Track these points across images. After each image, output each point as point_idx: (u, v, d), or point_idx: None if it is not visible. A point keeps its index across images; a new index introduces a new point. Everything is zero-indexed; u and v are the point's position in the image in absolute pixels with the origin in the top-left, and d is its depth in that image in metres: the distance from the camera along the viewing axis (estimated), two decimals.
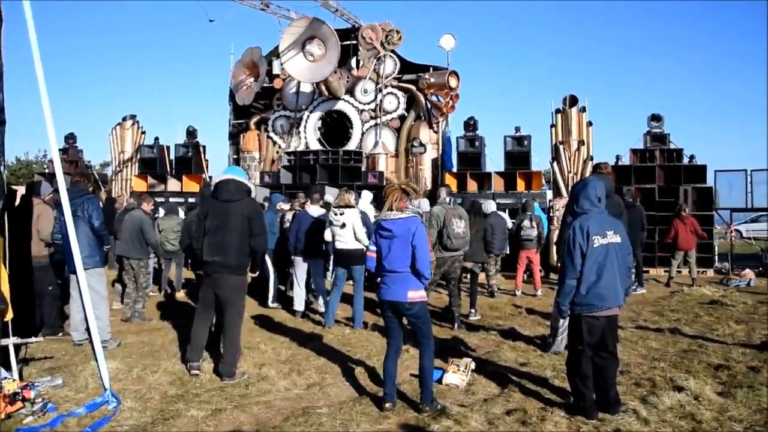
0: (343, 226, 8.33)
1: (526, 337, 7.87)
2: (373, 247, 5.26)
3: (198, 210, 7.16)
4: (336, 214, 8.40)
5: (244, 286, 6.36)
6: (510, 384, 5.79)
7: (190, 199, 16.81)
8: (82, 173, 9.88)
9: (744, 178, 15.18)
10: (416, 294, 5.09)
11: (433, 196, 10.38)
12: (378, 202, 11.63)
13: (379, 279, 5.30)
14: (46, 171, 21.20)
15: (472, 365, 6.20)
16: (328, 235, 8.55)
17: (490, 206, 11.90)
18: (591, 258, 4.87)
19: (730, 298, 10.77)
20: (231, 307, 6.15)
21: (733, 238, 16.21)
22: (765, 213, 15.71)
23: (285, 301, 10.23)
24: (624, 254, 5.04)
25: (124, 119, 20.10)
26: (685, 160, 15.69)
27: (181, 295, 11.07)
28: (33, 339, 7.25)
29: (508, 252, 12.26)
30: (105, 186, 19.24)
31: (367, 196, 11.31)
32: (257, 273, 6.67)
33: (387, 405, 5.15)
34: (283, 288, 10.84)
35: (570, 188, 8.75)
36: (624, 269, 5.02)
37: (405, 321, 5.35)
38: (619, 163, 16.36)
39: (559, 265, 7.42)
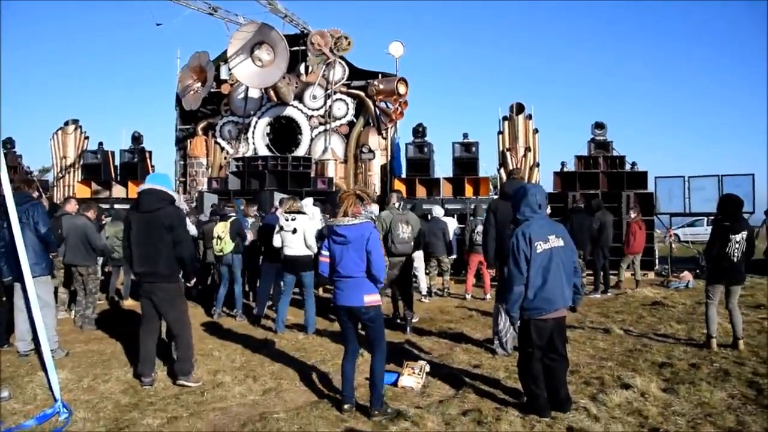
0: (294, 231, 8.32)
1: (477, 339, 8.01)
2: (325, 252, 5.25)
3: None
4: (287, 220, 8.38)
5: (180, 291, 6.27)
6: (464, 385, 5.89)
7: None
8: (23, 180, 9.65)
9: (682, 184, 15.79)
10: (372, 298, 5.14)
11: (383, 202, 10.45)
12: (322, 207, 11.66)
13: (331, 284, 5.33)
14: None
15: (427, 368, 6.28)
16: (277, 241, 8.50)
17: (435, 211, 12.17)
18: (535, 263, 5.00)
19: (671, 299, 11.20)
20: (171, 310, 6.08)
21: (672, 242, 16.80)
22: (702, 218, 16.32)
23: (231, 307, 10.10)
24: (568, 256, 5.18)
25: (66, 123, 19.62)
26: (627, 167, 16.17)
27: (129, 302, 10.83)
28: None
29: (454, 256, 12.49)
30: (47, 193, 18.68)
31: (308, 201, 11.27)
32: (194, 282, 6.64)
33: (346, 407, 5.22)
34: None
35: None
36: (570, 270, 5.16)
37: (359, 325, 5.39)
38: (565, 169, 16.75)
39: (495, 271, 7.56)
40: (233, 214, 10.00)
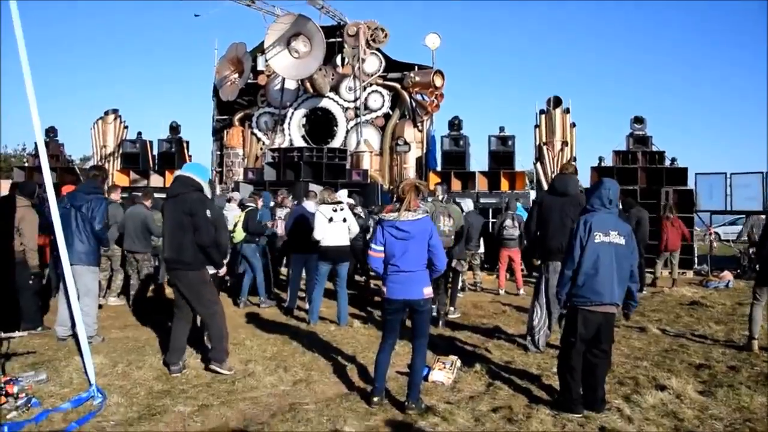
0: (344, 221, 8.40)
1: (510, 335, 7.93)
2: (379, 248, 5.17)
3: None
4: (336, 210, 8.39)
5: (203, 279, 6.17)
6: (496, 381, 5.84)
7: None
8: (99, 167, 9.91)
9: (724, 181, 15.40)
10: (429, 290, 5.19)
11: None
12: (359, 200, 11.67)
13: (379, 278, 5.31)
14: (26, 165, 20.97)
15: (458, 363, 6.24)
16: (319, 233, 8.31)
17: (467, 205, 12.03)
18: (589, 251, 4.99)
19: (710, 299, 10.96)
20: (197, 299, 6.07)
21: (712, 240, 16.43)
22: (744, 216, 15.90)
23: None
24: (626, 257, 5.10)
25: (106, 113, 19.93)
26: (667, 163, 15.84)
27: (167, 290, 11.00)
28: (17, 333, 7.20)
29: (483, 251, 12.50)
30: None
31: (343, 193, 11.25)
32: (224, 271, 6.66)
33: (375, 399, 5.19)
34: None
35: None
36: (624, 271, 5.08)
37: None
38: (602, 164, 16.47)
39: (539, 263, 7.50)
40: (251, 204, 10.12)
